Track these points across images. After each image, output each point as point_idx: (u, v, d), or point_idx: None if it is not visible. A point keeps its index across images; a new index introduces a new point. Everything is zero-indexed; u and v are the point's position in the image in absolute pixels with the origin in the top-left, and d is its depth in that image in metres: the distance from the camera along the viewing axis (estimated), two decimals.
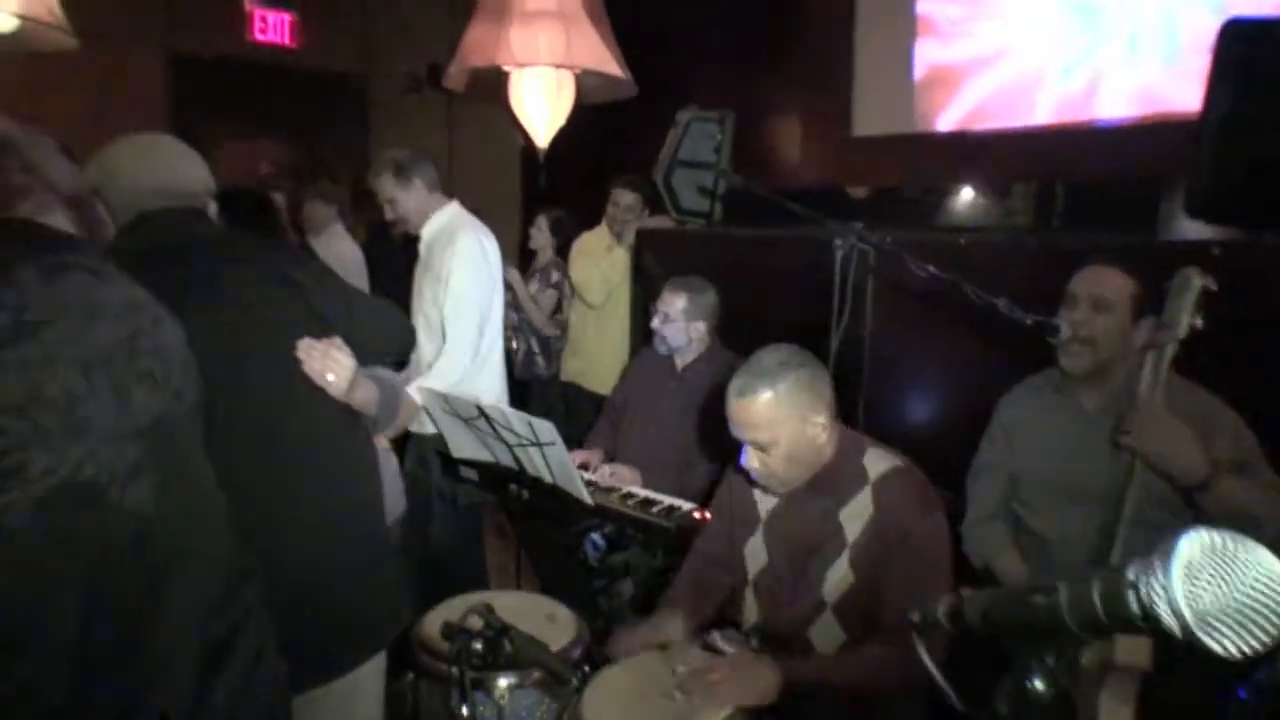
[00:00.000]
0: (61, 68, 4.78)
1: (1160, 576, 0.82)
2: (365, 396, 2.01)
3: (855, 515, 2.09)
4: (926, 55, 5.40)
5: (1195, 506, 2.06)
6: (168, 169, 1.94)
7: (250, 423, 1.82)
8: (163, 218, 1.86)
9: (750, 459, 2.13)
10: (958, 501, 2.55)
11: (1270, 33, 2.37)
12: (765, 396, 2.05)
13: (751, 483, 2.27)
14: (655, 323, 3.45)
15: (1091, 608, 0.90)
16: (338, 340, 1.94)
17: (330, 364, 1.91)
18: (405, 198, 3.46)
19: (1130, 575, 0.85)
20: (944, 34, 5.33)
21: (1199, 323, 1.95)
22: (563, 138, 5.72)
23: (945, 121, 5.31)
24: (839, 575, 2.09)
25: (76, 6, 3.88)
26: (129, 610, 0.81)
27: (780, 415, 2.05)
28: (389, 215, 3.54)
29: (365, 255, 5.33)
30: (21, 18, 3.65)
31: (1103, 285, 2.28)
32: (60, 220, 0.98)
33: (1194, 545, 0.83)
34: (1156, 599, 0.82)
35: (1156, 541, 0.84)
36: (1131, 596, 0.85)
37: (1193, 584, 0.81)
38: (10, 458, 0.76)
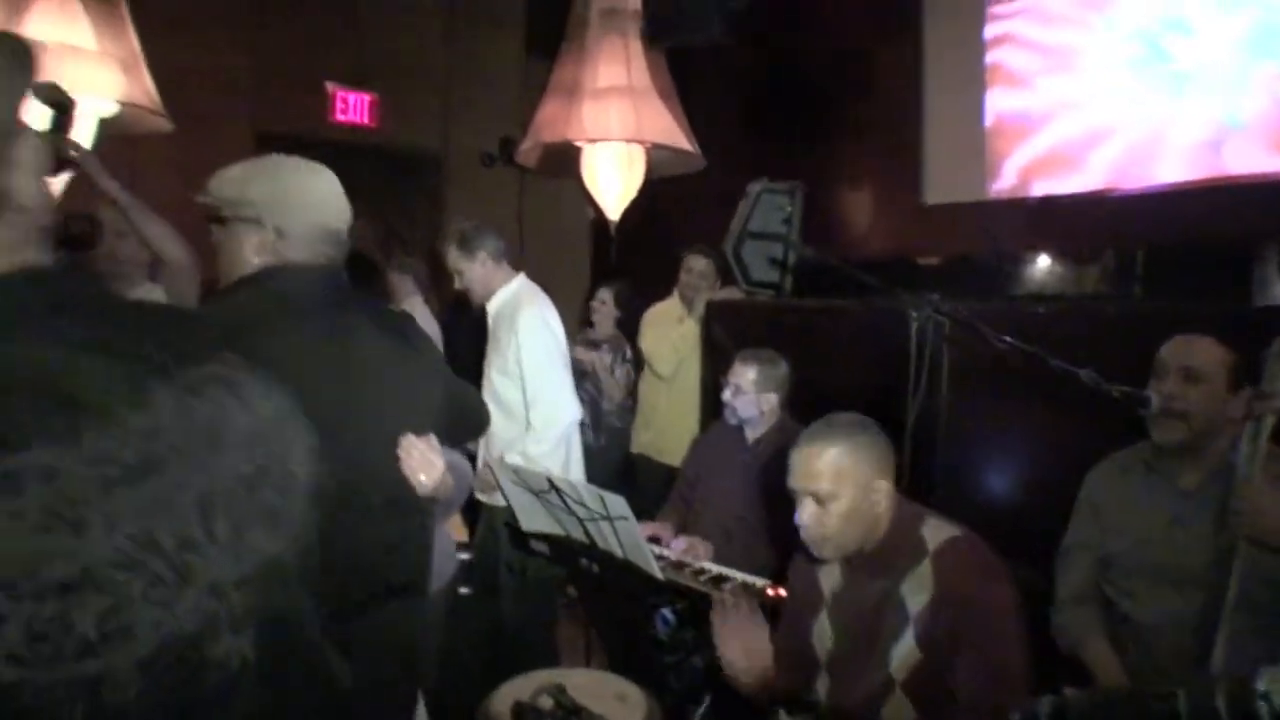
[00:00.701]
0: (155, 148, 4.98)
1: None
2: (444, 489, 2.00)
3: (916, 589, 2.02)
4: (997, 121, 5.36)
5: None
6: (343, 213, 1.89)
7: (343, 482, 1.82)
8: (318, 269, 1.84)
9: (804, 513, 2.09)
10: (1040, 580, 2.45)
11: None
12: (835, 449, 2.04)
13: (811, 559, 2.23)
14: (726, 395, 3.44)
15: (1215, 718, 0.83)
16: (433, 439, 1.93)
17: (425, 465, 1.90)
18: (470, 269, 3.53)
19: (1260, 686, 0.78)
20: (1015, 98, 5.29)
21: None
22: (633, 210, 5.79)
23: (1019, 188, 5.25)
24: (905, 652, 2.02)
25: (170, 90, 4.05)
26: None
27: (846, 471, 2.03)
28: (457, 285, 3.62)
29: (441, 328, 5.40)
30: (123, 104, 3.83)
31: (1194, 355, 2.21)
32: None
33: None
34: None
35: (1266, 629, 0.78)
36: (1264, 708, 0.78)
37: None
38: (117, 618, 0.66)
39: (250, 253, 1.79)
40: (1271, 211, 2.46)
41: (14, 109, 0.81)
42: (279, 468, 0.83)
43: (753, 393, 3.38)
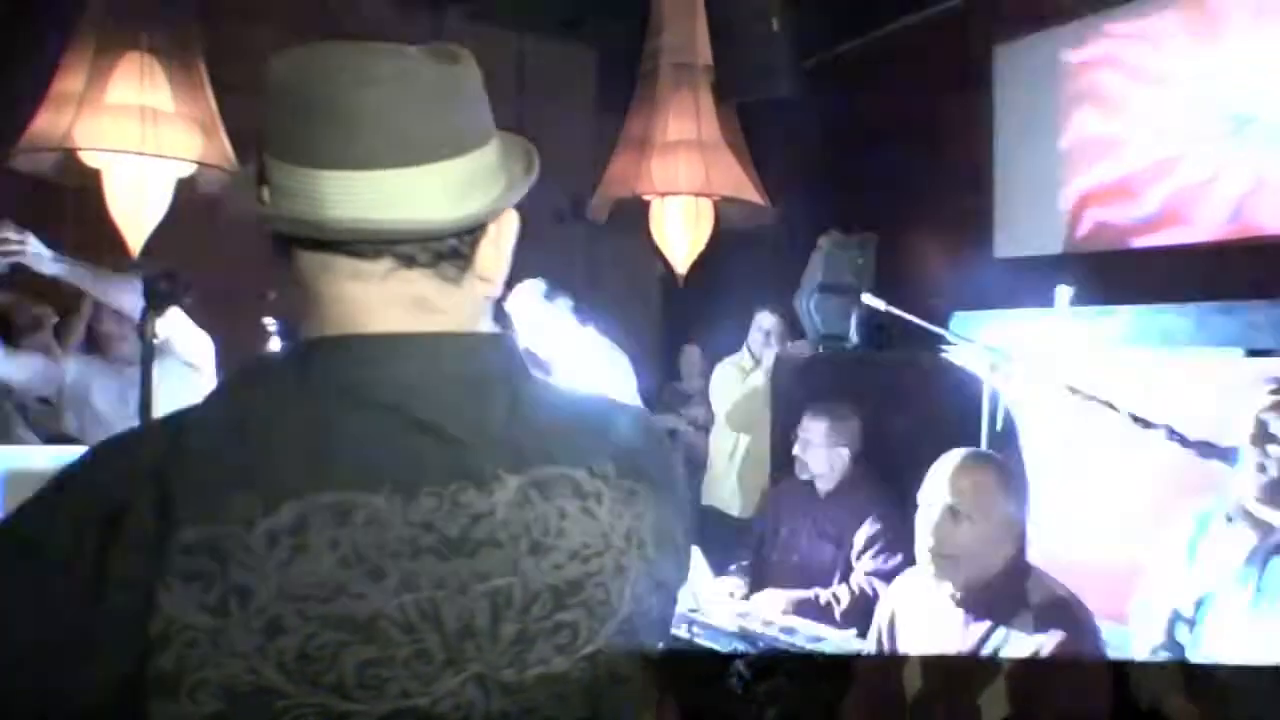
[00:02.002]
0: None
1: None
2: None
3: (1013, 641, 2.01)
4: (1074, 170, 5.33)
5: None
6: None
7: None
8: None
9: (931, 522, 2.09)
10: (1123, 635, 2.42)
11: None
12: (996, 472, 2.09)
13: (907, 606, 2.25)
14: (796, 449, 3.44)
15: None
16: None
17: None
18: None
19: None
20: (1091, 151, 5.27)
21: None
22: (702, 264, 5.83)
23: (1094, 240, 5.20)
24: (996, 704, 2.00)
25: (247, 150, 4.19)
26: None
27: (997, 495, 2.06)
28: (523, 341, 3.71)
29: None
30: (200, 163, 3.97)
31: None
32: None
33: None
34: None
35: None
36: None
37: None
38: (375, 670, 0.71)
39: None
40: None
41: None
42: (600, 589, 0.83)
43: (824, 447, 3.38)
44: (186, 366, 3.02)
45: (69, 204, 4.41)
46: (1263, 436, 2.19)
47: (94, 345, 3.57)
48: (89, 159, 3.73)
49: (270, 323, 4.46)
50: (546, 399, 0.89)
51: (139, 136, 3.66)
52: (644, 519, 0.87)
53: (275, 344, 4.95)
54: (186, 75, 3.96)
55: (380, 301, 0.81)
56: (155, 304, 1.91)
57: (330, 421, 0.76)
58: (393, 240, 0.80)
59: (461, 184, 0.82)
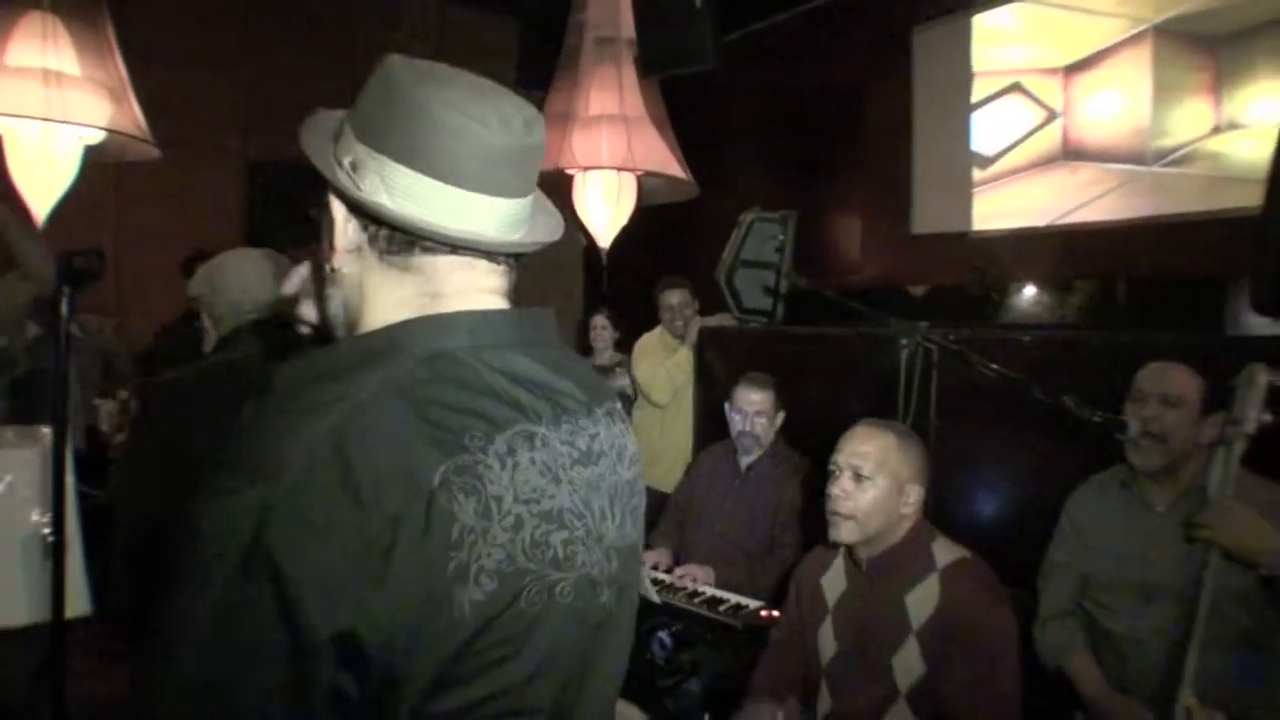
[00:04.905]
0: (143, 176, 5.00)
1: None
2: None
3: (921, 601, 2.10)
4: (983, 151, 5.46)
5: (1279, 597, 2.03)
6: (268, 283, 2.07)
7: None
8: (260, 330, 1.98)
9: (838, 485, 2.19)
10: (1027, 599, 2.53)
11: None
12: (892, 438, 2.20)
13: (817, 567, 2.34)
14: (737, 420, 3.48)
15: None
16: None
17: None
18: None
19: None
20: (999, 129, 5.40)
21: (1268, 418, 1.95)
22: (625, 238, 5.84)
23: (1004, 219, 5.34)
24: (909, 662, 2.09)
25: (159, 118, 4.06)
26: (583, 667, 1.02)
27: (893, 460, 2.16)
28: None
29: None
30: (109, 130, 3.83)
31: (1172, 382, 2.30)
32: None
33: None
34: None
35: (1234, 641, 0.84)
36: None
37: None
38: (570, 548, 0.97)
39: None
40: (1243, 246, 2.55)
41: None
42: (640, 482, 1.17)
43: (765, 416, 3.44)
44: None
45: None
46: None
47: None
48: None
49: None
50: (568, 351, 1.15)
51: (42, 101, 3.51)
52: (632, 437, 1.18)
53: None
54: (93, 37, 3.79)
55: (496, 291, 1.06)
56: (73, 281, 1.86)
57: (508, 370, 0.99)
58: (522, 253, 1.08)
59: (547, 208, 1.16)
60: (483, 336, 1.00)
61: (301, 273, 1.14)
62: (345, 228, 1.02)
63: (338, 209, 1.02)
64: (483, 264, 1.05)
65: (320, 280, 1.08)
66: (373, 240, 1.01)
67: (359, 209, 1.00)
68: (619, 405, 1.17)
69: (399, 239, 1.00)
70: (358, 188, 0.98)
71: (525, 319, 1.07)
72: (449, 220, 0.99)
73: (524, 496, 0.93)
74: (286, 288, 1.15)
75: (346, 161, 1.00)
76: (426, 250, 1.01)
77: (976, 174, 5.43)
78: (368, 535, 0.84)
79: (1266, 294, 2.41)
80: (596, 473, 1.04)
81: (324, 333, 1.11)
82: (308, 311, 1.12)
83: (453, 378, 0.95)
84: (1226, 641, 2.04)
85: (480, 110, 0.99)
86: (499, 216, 1.02)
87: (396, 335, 0.98)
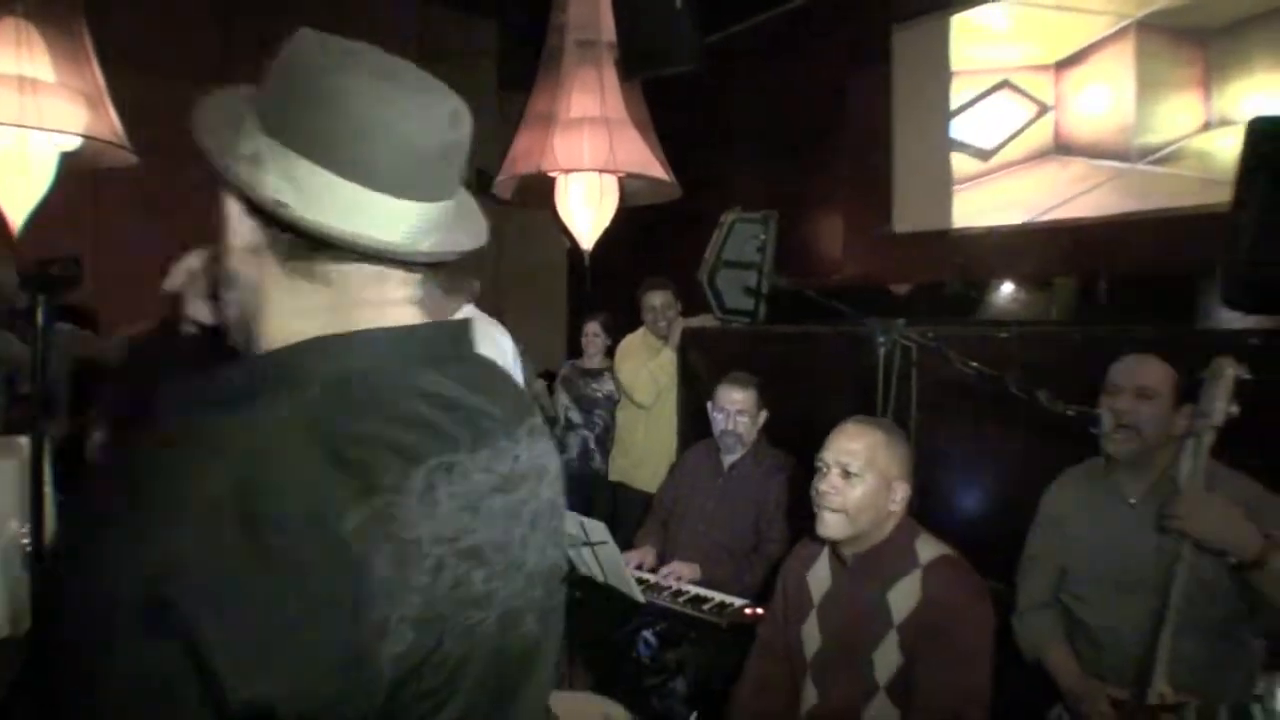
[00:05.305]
0: (120, 183, 4.97)
1: None
2: None
3: (903, 597, 2.12)
4: (962, 150, 5.49)
5: (1249, 588, 2.06)
6: None
7: None
8: None
9: (826, 482, 2.20)
10: (1007, 592, 2.55)
11: None
12: (880, 435, 2.21)
13: (803, 563, 2.35)
14: (720, 420, 3.49)
15: None
16: None
17: None
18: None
19: (1258, 689, 0.83)
20: (978, 127, 5.43)
21: (1234, 410, 1.97)
22: (608, 239, 5.85)
23: (996, 212, 5.36)
24: (889, 657, 2.11)
25: (136, 124, 4.04)
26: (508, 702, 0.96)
27: (881, 458, 2.18)
28: None
29: None
30: (85, 137, 3.82)
31: (1145, 374, 2.33)
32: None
33: None
34: None
35: (1206, 629, 0.83)
36: (1258, 710, 0.82)
37: None
38: (490, 584, 0.90)
39: None
40: (1213, 241, 2.58)
41: None
42: (561, 500, 1.09)
43: (748, 414, 3.45)
44: None
45: None
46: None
47: None
48: None
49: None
50: (487, 363, 1.08)
51: (17, 107, 3.50)
52: (556, 453, 1.12)
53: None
54: (69, 44, 3.77)
55: (410, 303, 0.97)
56: (49, 289, 1.86)
57: (425, 391, 0.91)
58: (444, 261, 0.97)
59: (472, 211, 1.04)
60: (395, 356, 0.92)
61: (189, 266, 1.05)
62: (240, 226, 0.92)
63: (232, 205, 0.91)
64: (397, 274, 0.95)
65: (216, 281, 0.98)
66: (273, 243, 0.91)
67: (257, 208, 0.89)
68: (540, 420, 1.09)
69: (302, 244, 0.89)
70: (255, 184, 0.87)
71: (440, 333, 0.99)
72: (359, 226, 0.88)
73: (444, 536, 0.86)
74: (169, 283, 1.05)
75: (246, 152, 0.88)
76: (334, 258, 0.91)
77: (971, 168, 5.40)
78: (279, 595, 0.76)
79: (1236, 289, 2.45)
80: (517, 499, 0.97)
81: (218, 337, 1.01)
82: (197, 311, 1.04)
83: (363, 406, 0.86)
84: (1199, 630, 2.07)
85: (401, 102, 0.90)
86: (415, 222, 0.92)
87: (299, 358, 0.89)
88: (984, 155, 5.33)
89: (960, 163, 5.46)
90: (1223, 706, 0.85)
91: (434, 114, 0.92)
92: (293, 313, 0.92)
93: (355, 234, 0.87)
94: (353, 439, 0.82)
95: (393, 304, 0.95)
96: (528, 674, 0.99)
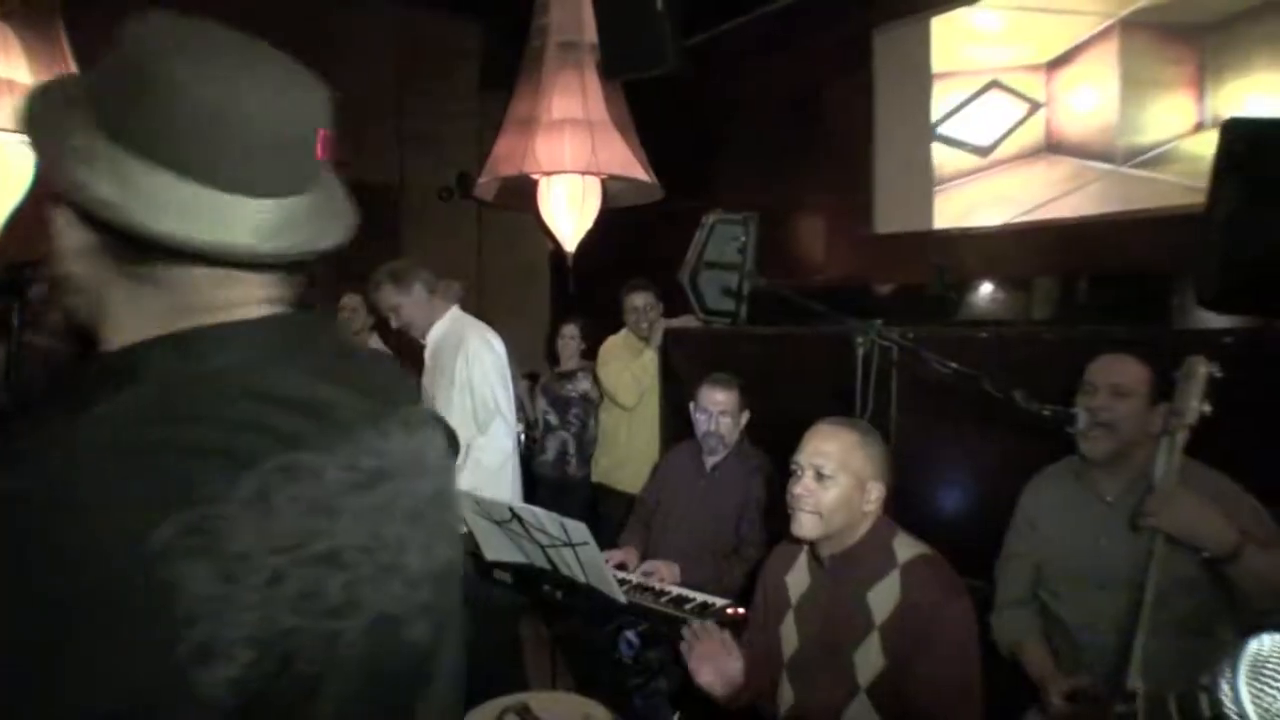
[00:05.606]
0: None
1: (1228, 675, 0.81)
2: None
3: (882, 597, 2.13)
4: (944, 152, 5.51)
5: (1225, 582, 2.08)
6: None
7: None
8: None
9: (800, 484, 2.20)
10: (986, 590, 2.57)
11: (1269, 130, 2.46)
12: (853, 436, 2.20)
13: (782, 564, 2.37)
14: (703, 421, 3.50)
15: (1168, 717, 0.87)
16: None
17: None
18: (407, 303, 3.62)
19: (1204, 679, 0.84)
20: (960, 130, 5.45)
21: (1207, 408, 1.99)
22: (590, 241, 5.86)
23: (972, 215, 5.38)
24: (870, 658, 2.12)
25: None
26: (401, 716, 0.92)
27: (854, 459, 2.17)
28: (394, 324, 3.69)
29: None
30: None
31: (1121, 373, 2.35)
32: None
33: (1263, 644, 0.82)
34: (1224, 699, 0.81)
35: (1181, 626, 0.83)
36: (1204, 699, 0.83)
37: (1260, 683, 0.80)
38: (354, 590, 0.83)
39: None
40: (1189, 241, 2.61)
41: None
42: (450, 492, 1.03)
43: (734, 414, 3.46)
44: None
45: None
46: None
47: None
48: None
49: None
50: (357, 353, 1.05)
51: None
52: (442, 442, 1.05)
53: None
54: (46, 47, 3.76)
55: (271, 302, 0.91)
56: (25, 293, 1.85)
57: (268, 391, 0.85)
58: (309, 260, 0.91)
59: (336, 203, 0.96)
60: (236, 354, 0.86)
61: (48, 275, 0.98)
62: (69, 228, 0.86)
63: (61, 206, 0.86)
64: (251, 276, 0.89)
65: (57, 287, 0.91)
66: (105, 246, 0.85)
67: (84, 209, 0.82)
68: (420, 409, 1.03)
69: (132, 247, 0.83)
70: (83, 185, 0.80)
71: (294, 325, 0.93)
72: (191, 228, 0.81)
73: (283, 545, 0.79)
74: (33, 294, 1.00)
75: (77, 148, 0.81)
76: (169, 261, 0.85)
77: (969, 164, 5.40)
78: (84, 623, 0.70)
79: (1209, 289, 2.47)
80: (386, 496, 0.90)
81: (75, 344, 0.96)
82: (56, 319, 0.98)
83: (188, 412, 0.79)
84: (1174, 627, 2.09)
85: (247, 92, 0.83)
86: (260, 221, 0.85)
87: (130, 360, 0.84)
88: (982, 151, 5.33)
89: (958, 159, 5.44)
90: (1171, 695, 0.86)
91: (286, 103, 0.85)
92: (132, 317, 0.87)
93: (186, 236, 0.81)
94: (173, 447, 0.76)
95: (242, 306, 0.89)
96: (421, 685, 0.94)
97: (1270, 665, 0.80)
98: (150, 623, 0.71)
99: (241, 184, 0.83)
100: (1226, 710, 0.80)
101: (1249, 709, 0.79)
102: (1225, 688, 0.80)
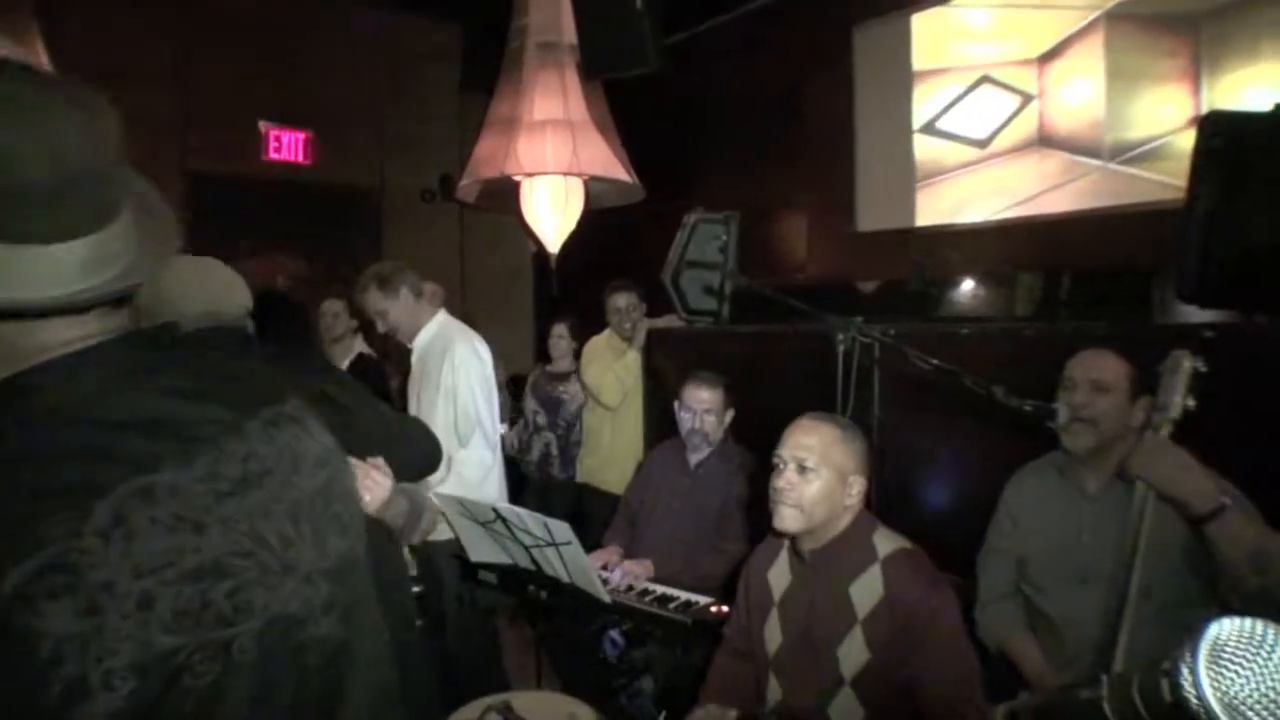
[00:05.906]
0: None
1: (1188, 659, 0.80)
2: (395, 511, 2.06)
3: (864, 591, 2.13)
4: (925, 150, 5.53)
5: (1207, 566, 2.07)
6: (213, 292, 2.01)
7: None
8: (208, 338, 1.92)
9: (783, 478, 2.20)
10: (969, 586, 2.57)
11: (1248, 125, 2.47)
12: (835, 431, 2.22)
13: (764, 561, 2.37)
14: (687, 419, 3.50)
15: (1130, 701, 0.87)
16: (379, 461, 2.00)
17: (368, 484, 1.96)
18: (393, 307, 3.57)
19: (1165, 664, 0.83)
20: (940, 129, 5.47)
21: (1191, 403, 1.99)
22: (573, 242, 5.85)
23: (946, 215, 5.40)
24: (853, 652, 2.12)
25: None
26: (330, 706, 0.93)
27: (836, 454, 2.18)
28: (380, 328, 3.65)
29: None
30: None
31: (1101, 368, 2.35)
32: None
33: (1222, 628, 0.81)
34: (1184, 683, 0.80)
35: (1164, 619, 0.83)
36: (1165, 684, 0.82)
37: (1219, 667, 0.79)
38: (240, 595, 0.83)
39: None
40: (1169, 237, 2.62)
41: None
42: (339, 483, 1.04)
43: (715, 413, 3.46)
44: None
45: None
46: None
47: None
48: None
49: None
50: (215, 358, 1.04)
51: None
52: (324, 434, 1.07)
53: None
54: (21, 51, 3.74)
55: (103, 333, 0.89)
56: None
57: (111, 417, 0.84)
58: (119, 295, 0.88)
59: (150, 220, 0.94)
60: (74, 387, 0.83)
61: None
62: None
63: None
64: (71, 318, 0.86)
65: None
66: None
67: None
68: (288, 408, 1.01)
69: None
70: None
71: (137, 344, 0.91)
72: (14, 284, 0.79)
73: (150, 567, 0.77)
74: None
75: None
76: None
77: (967, 156, 5.40)
78: None
79: (1189, 284, 2.48)
80: (263, 497, 0.90)
81: None
82: None
83: (24, 455, 0.77)
84: (1157, 620, 2.09)
85: (16, 137, 0.77)
86: (63, 267, 0.81)
87: None
88: (980, 144, 5.33)
89: (957, 152, 5.44)
90: (1135, 676, 0.85)
91: (67, 141, 0.80)
92: None
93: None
94: (12, 494, 0.75)
95: (65, 345, 0.86)
96: (341, 676, 0.94)
97: (1229, 649, 0.80)
98: (12, 672, 0.70)
99: (34, 234, 0.80)
100: (1186, 694, 0.80)
101: (1208, 693, 0.78)
102: (1185, 672, 0.80)
